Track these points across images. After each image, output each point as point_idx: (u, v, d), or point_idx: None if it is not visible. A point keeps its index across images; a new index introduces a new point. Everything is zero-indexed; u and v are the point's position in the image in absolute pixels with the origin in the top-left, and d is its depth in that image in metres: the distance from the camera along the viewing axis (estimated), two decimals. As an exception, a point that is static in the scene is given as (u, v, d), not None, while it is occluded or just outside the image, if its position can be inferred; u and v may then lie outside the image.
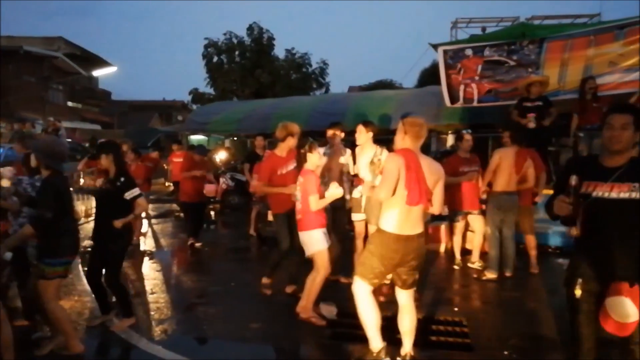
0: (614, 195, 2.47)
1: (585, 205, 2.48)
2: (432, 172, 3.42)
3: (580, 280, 2.57)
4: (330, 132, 5.76)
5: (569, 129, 7.76)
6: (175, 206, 11.45)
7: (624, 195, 2.45)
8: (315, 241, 4.50)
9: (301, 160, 4.65)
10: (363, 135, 5.39)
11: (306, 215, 4.50)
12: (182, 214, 9.39)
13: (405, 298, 3.60)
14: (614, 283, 2.43)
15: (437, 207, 3.49)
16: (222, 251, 7.89)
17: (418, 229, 3.43)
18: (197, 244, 7.83)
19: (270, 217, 7.68)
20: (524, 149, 6.01)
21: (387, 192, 3.29)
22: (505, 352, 3.92)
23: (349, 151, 5.71)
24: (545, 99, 7.47)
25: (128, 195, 4.28)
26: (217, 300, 5.11)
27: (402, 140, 3.43)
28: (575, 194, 2.43)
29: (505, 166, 5.88)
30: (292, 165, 5.21)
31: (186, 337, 4.36)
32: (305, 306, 4.56)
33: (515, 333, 4.28)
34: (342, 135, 5.82)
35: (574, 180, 2.44)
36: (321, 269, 4.50)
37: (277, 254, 5.35)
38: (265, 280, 5.48)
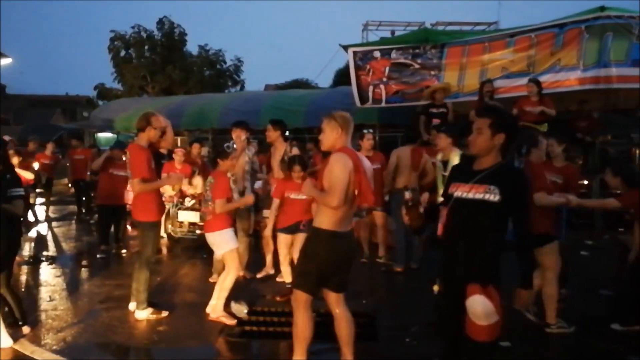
0: (470, 196, 2.53)
1: (449, 205, 2.58)
2: (367, 167, 3.31)
3: (440, 278, 2.70)
4: (235, 133, 5.76)
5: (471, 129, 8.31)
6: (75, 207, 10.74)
7: (479, 196, 2.50)
8: (225, 241, 4.49)
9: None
10: (272, 134, 5.48)
11: (214, 216, 4.48)
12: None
13: (341, 303, 3.40)
14: (468, 285, 2.47)
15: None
16: (129, 254, 7.59)
17: (350, 225, 3.34)
18: (122, 250, 7.45)
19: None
20: (419, 147, 6.37)
21: (340, 201, 3.07)
22: (407, 340, 4.14)
23: (252, 149, 5.80)
24: (447, 106, 7.96)
25: (10, 193, 3.95)
26: (122, 305, 4.92)
27: (338, 137, 3.24)
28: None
29: (404, 164, 6.20)
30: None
31: (88, 345, 4.16)
32: (215, 306, 4.53)
33: (417, 321, 4.52)
34: (245, 135, 5.79)
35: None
36: (232, 269, 4.49)
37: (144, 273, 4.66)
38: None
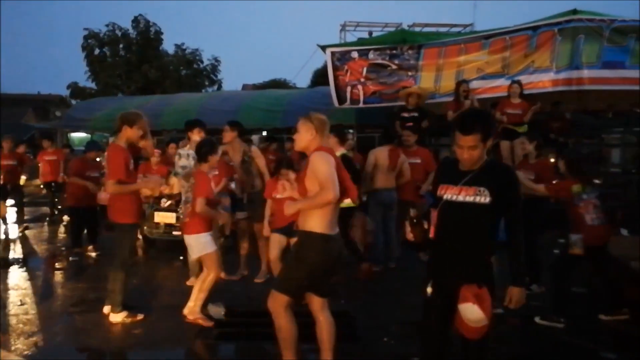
0: (460, 198, 2.53)
1: (439, 207, 2.57)
2: (340, 165, 3.29)
3: (431, 280, 2.65)
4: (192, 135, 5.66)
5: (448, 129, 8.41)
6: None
7: (469, 199, 2.51)
8: (203, 245, 4.42)
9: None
10: (229, 135, 5.51)
11: (193, 218, 4.41)
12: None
13: (326, 308, 3.36)
14: (462, 288, 2.47)
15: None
16: (103, 256, 7.44)
17: (337, 228, 3.28)
18: (93, 254, 7.27)
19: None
20: (396, 147, 6.43)
21: (337, 192, 3.02)
22: (385, 339, 4.16)
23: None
24: (421, 110, 8.03)
25: None
26: (96, 308, 4.82)
27: (312, 139, 3.21)
28: (414, 224, 2.54)
29: (381, 164, 6.24)
30: None
31: (60, 349, 4.06)
32: (192, 308, 4.47)
33: (395, 321, 4.55)
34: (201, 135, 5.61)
35: (412, 212, 2.57)
36: (211, 272, 4.44)
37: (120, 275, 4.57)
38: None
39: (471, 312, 2.42)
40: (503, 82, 8.18)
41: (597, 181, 10.38)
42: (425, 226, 2.68)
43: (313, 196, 3.09)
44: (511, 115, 7.41)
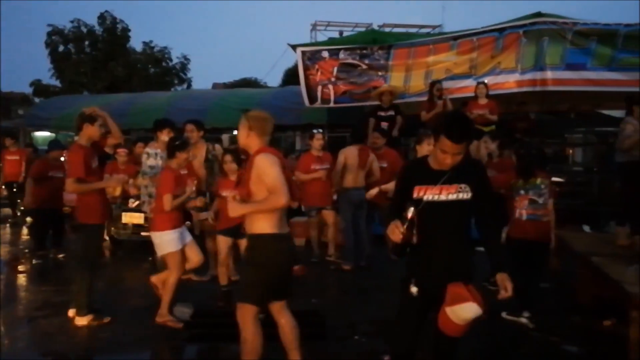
0: (443, 197, 2.52)
1: (419, 209, 2.49)
2: (283, 163, 3.22)
3: (414, 279, 2.60)
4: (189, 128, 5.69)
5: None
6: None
7: (452, 196, 2.51)
8: (166, 243, 4.35)
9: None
10: (195, 134, 5.55)
11: (158, 215, 4.34)
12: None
13: (286, 311, 3.27)
14: (453, 288, 2.44)
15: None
16: (69, 258, 7.26)
17: (287, 227, 3.22)
18: (60, 255, 7.08)
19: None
20: (365, 146, 6.49)
21: (287, 196, 2.93)
22: (356, 337, 4.19)
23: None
24: (396, 108, 8.10)
25: None
26: (61, 311, 4.69)
27: (246, 137, 3.12)
28: (409, 226, 2.44)
29: (351, 163, 6.29)
30: None
31: (23, 354, 3.96)
32: (160, 310, 4.40)
33: (365, 319, 4.59)
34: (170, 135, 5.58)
35: (410, 212, 2.43)
36: (174, 271, 4.36)
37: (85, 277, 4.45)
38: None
39: (470, 310, 2.40)
40: (471, 83, 8.34)
41: (559, 179, 10.76)
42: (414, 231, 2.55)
43: (262, 201, 2.99)
44: (479, 116, 7.56)
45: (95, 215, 4.43)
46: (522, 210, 4.52)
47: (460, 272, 2.54)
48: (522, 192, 4.53)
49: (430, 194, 2.54)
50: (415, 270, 2.64)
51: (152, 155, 5.34)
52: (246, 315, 3.09)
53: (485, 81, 7.93)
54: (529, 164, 4.54)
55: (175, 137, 4.69)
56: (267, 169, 2.96)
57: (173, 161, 4.46)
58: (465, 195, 2.51)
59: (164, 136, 5.27)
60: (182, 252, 4.44)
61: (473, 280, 2.57)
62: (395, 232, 2.46)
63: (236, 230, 4.69)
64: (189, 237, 4.57)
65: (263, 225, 3.03)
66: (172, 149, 4.45)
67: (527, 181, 4.52)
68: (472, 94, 7.90)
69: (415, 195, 2.56)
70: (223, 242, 5.00)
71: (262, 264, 3.04)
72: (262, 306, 3.16)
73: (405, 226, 2.43)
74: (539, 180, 4.50)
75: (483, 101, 7.65)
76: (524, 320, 4.42)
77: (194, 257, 4.53)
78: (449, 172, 2.51)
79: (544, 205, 4.49)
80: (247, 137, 3.11)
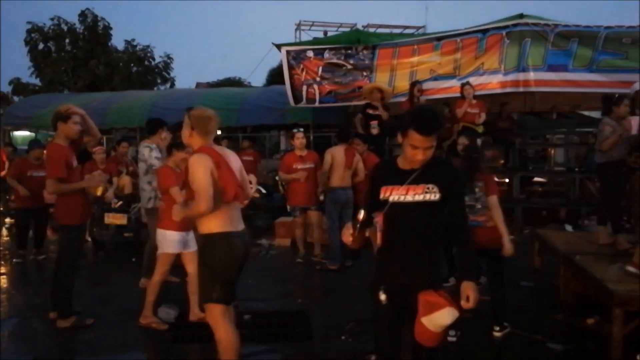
0: (409, 198, 2.41)
1: (385, 210, 2.43)
2: (235, 160, 3.19)
3: (382, 286, 2.50)
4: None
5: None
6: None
7: (419, 197, 2.40)
8: (166, 242, 4.29)
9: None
10: (168, 137, 5.51)
11: (166, 213, 4.17)
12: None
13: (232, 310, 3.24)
14: (425, 297, 2.35)
15: (249, 192, 3.34)
16: (50, 259, 7.13)
17: (241, 225, 3.18)
18: (41, 256, 6.97)
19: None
20: (351, 146, 6.50)
21: (208, 204, 2.89)
22: (343, 337, 4.18)
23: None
24: (386, 107, 8.11)
25: None
26: (42, 314, 4.60)
27: (189, 136, 3.07)
28: (359, 228, 2.39)
29: (338, 163, 6.29)
30: None
31: (5, 356, 3.85)
32: (144, 311, 4.34)
33: (351, 319, 4.57)
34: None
35: (361, 215, 2.40)
36: (159, 272, 4.31)
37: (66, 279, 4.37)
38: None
39: (447, 315, 2.31)
40: (455, 83, 8.41)
41: (541, 179, 10.91)
42: (367, 233, 2.51)
43: (190, 208, 3.00)
44: (469, 114, 7.64)
45: (75, 216, 4.34)
46: None
47: (428, 276, 2.44)
48: None
49: (396, 194, 2.43)
50: (382, 274, 2.55)
51: (155, 149, 5.25)
52: (215, 315, 3.07)
53: (470, 81, 8.01)
54: (470, 168, 4.16)
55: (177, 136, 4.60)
56: (194, 172, 2.93)
57: (170, 159, 4.50)
58: (433, 196, 2.39)
59: (164, 134, 5.26)
60: (177, 257, 4.37)
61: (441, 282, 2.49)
62: (346, 233, 2.44)
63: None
64: (192, 247, 4.38)
65: (210, 225, 3.02)
66: (170, 147, 4.52)
67: (465, 185, 4.10)
68: (456, 94, 7.98)
69: (381, 196, 2.47)
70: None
71: (215, 263, 3.02)
72: (227, 303, 3.10)
73: (355, 228, 2.38)
74: (474, 183, 4.11)
75: (472, 101, 7.73)
76: (496, 334, 4.18)
77: (190, 268, 4.39)
78: (417, 171, 2.41)
79: (483, 210, 4.08)
80: (189, 137, 3.08)
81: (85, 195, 4.46)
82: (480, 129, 7.65)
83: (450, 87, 8.51)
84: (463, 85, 7.87)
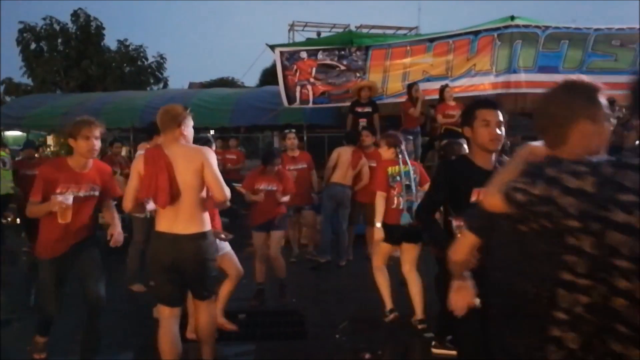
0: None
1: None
2: (190, 159, 3.00)
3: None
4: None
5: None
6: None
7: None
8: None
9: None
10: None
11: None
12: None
13: (203, 309, 3.19)
14: None
15: (217, 193, 3.01)
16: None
17: (192, 228, 2.99)
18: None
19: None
20: (358, 149, 6.55)
21: (127, 202, 3.05)
22: (337, 336, 4.22)
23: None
24: (373, 104, 8.18)
25: None
26: (27, 317, 4.58)
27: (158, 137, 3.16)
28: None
29: (343, 161, 6.37)
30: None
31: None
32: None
33: (345, 317, 4.62)
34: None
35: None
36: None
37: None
38: None
39: None
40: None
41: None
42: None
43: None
44: (450, 116, 7.71)
45: (45, 249, 3.45)
46: (398, 199, 4.29)
47: None
48: (398, 178, 4.31)
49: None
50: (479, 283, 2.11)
51: None
52: (161, 316, 3.12)
53: (449, 84, 8.12)
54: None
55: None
56: (131, 172, 3.09)
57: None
58: None
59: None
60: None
61: None
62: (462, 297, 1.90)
63: (269, 224, 4.99)
64: (222, 250, 4.03)
65: (157, 223, 3.08)
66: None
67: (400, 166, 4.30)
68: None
69: (473, 198, 2.37)
70: (257, 238, 5.09)
71: (148, 259, 3.15)
72: (167, 304, 3.06)
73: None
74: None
75: (452, 103, 7.81)
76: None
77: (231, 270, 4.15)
78: (496, 169, 2.24)
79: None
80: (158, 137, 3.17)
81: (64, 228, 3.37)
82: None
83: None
84: (443, 87, 7.96)
